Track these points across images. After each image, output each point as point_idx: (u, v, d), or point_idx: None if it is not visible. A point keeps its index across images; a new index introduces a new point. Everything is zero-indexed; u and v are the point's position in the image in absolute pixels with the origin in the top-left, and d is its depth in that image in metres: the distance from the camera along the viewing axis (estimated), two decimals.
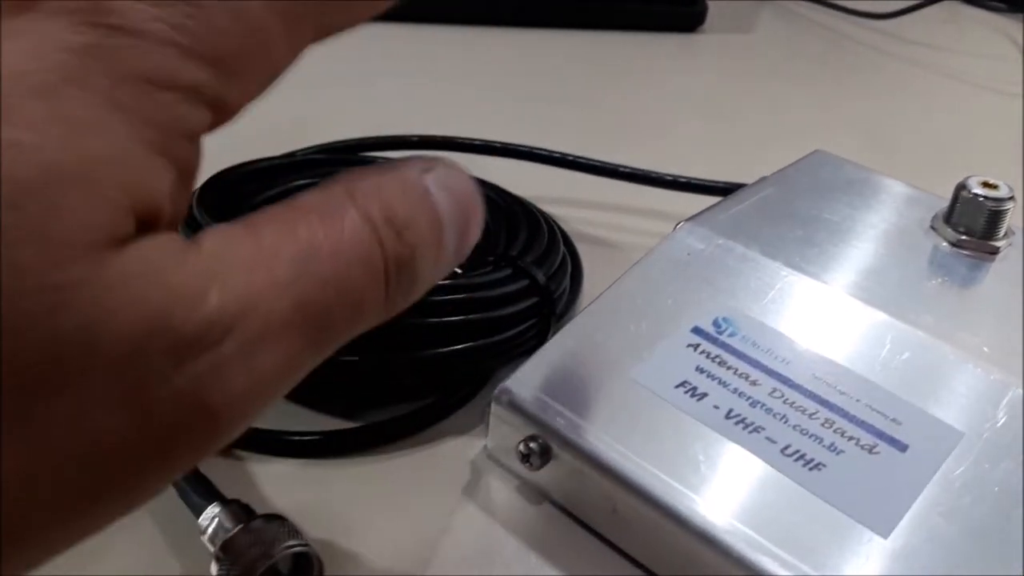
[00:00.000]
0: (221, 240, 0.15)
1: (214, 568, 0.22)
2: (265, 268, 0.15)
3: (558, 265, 0.31)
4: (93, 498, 0.14)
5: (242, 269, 0.15)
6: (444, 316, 0.27)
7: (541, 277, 0.29)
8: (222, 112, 0.16)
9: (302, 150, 0.38)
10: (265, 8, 0.16)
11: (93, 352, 0.13)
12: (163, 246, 0.14)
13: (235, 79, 0.15)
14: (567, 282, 0.32)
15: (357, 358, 0.27)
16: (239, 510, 0.23)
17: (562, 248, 0.32)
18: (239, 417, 0.15)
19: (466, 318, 0.28)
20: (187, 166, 0.15)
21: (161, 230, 0.14)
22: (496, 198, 0.34)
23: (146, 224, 0.14)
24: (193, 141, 0.15)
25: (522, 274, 0.29)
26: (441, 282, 0.28)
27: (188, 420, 0.14)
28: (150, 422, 0.14)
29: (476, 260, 0.29)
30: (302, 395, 0.28)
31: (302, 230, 0.16)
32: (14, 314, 0.12)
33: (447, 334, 0.27)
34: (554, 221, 0.34)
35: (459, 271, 0.33)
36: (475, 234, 0.20)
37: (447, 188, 0.19)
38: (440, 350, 0.27)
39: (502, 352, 0.29)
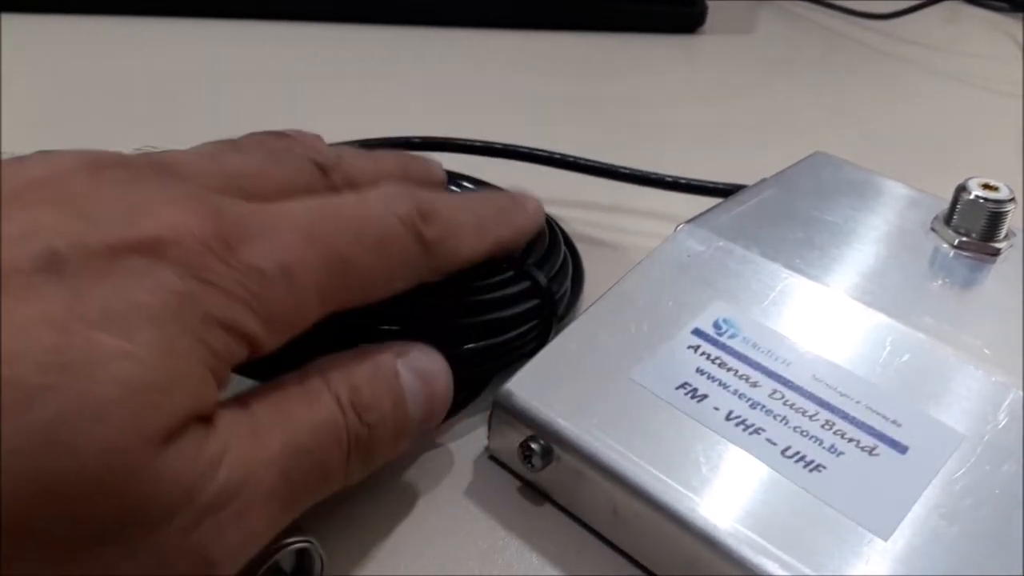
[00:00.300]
0: (229, 424, 0.19)
1: None
2: (260, 444, 0.19)
3: (559, 267, 0.31)
4: None
5: (244, 447, 0.19)
6: (445, 318, 0.27)
7: (542, 279, 0.29)
8: (256, 351, 0.20)
9: None
10: (312, 287, 0.21)
11: (141, 515, 0.17)
12: (196, 434, 0.18)
13: (274, 331, 0.20)
14: (568, 284, 0.32)
15: None
16: None
17: (563, 250, 0.32)
18: (230, 565, 0.19)
19: (467, 320, 0.28)
20: (224, 383, 0.20)
21: (196, 422, 0.18)
22: None
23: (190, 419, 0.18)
24: (231, 366, 0.20)
25: (523, 276, 0.29)
26: (442, 285, 0.28)
27: (193, 569, 0.18)
28: (164, 570, 0.18)
29: (477, 263, 0.29)
30: None
31: (287, 411, 0.21)
32: (104, 483, 0.16)
33: (448, 336, 0.27)
34: (555, 222, 0.34)
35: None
36: (441, 411, 0.25)
37: (416, 371, 0.24)
38: (442, 351, 0.27)
39: (503, 354, 0.29)
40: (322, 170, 0.25)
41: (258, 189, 0.23)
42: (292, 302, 0.20)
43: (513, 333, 0.28)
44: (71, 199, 0.19)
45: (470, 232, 0.26)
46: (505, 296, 0.28)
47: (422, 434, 0.24)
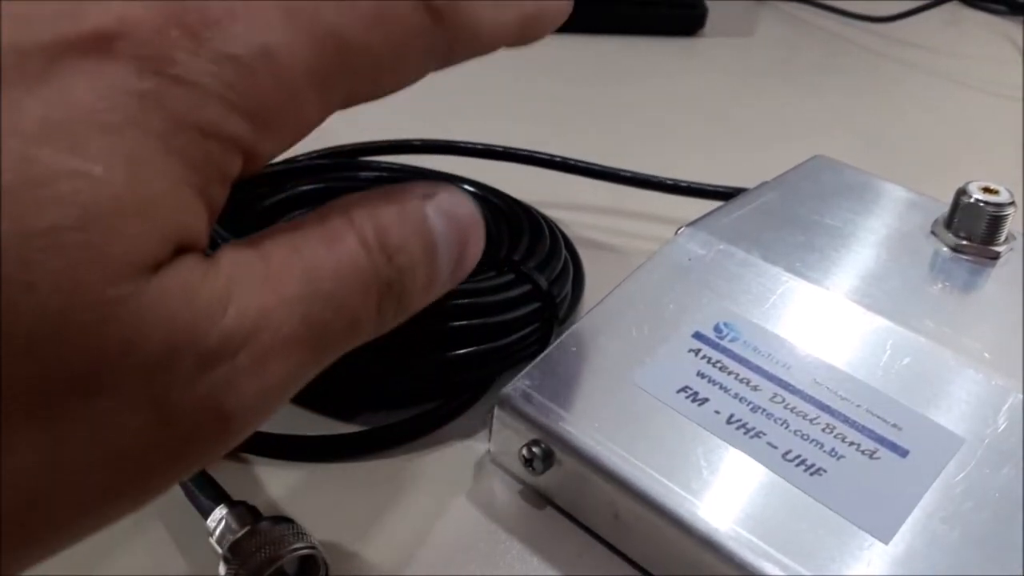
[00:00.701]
0: (236, 261, 0.17)
1: (222, 569, 0.22)
2: (274, 287, 0.17)
3: (560, 270, 0.31)
4: (111, 493, 0.15)
5: (255, 288, 0.16)
6: (447, 321, 0.27)
7: (543, 282, 0.29)
8: (252, 161, 0.17)
9: (304, 155, 0.38)
10: (303, 73, 0.17)
11: (130, 360, 0.15)
12: (190, 268, 0.16)
13: (268, 133, 0.17)
14: (569, 287, 0.32)
15: (363, 363, 0.27)
16: (246, 512, 0.23)
17: (564, 253, 0.32)
18: (248, 422, 0.17)
19: (469, 323, 0.28)
20: (217, 206, 0.17)
21: (189, 254, 0.16)
22: (498, 202, 0.34)
23: (179, 251, 0.16)
24: (225, 185, 0.17)
25: (524, 279, 0.29)
26: None
27: (204, 424, 0.16)
28: (171, 425, 0.15)
29: (479, 265, 0.29)
30: (309, 399, 0.29)
31: (306, 251, 0.18)
32: (70, 322, 0.14)
33: (450, 339, 0.28)
34: (556, 225, 0.35)
35: None
36: (474, 258, 0.21)
37: (446, 213, 0.20)
38: (443, 355, 0.28)
39: (505, 357, 0.29)
40: None
41: None
42: (282, 92, 0.17)
43: (514, 336, 0.29)
44: None
45: (488, 1, 0.22)
46: (506, 299, 0.28)
47: (453, 283, 0.21)
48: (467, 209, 0.21)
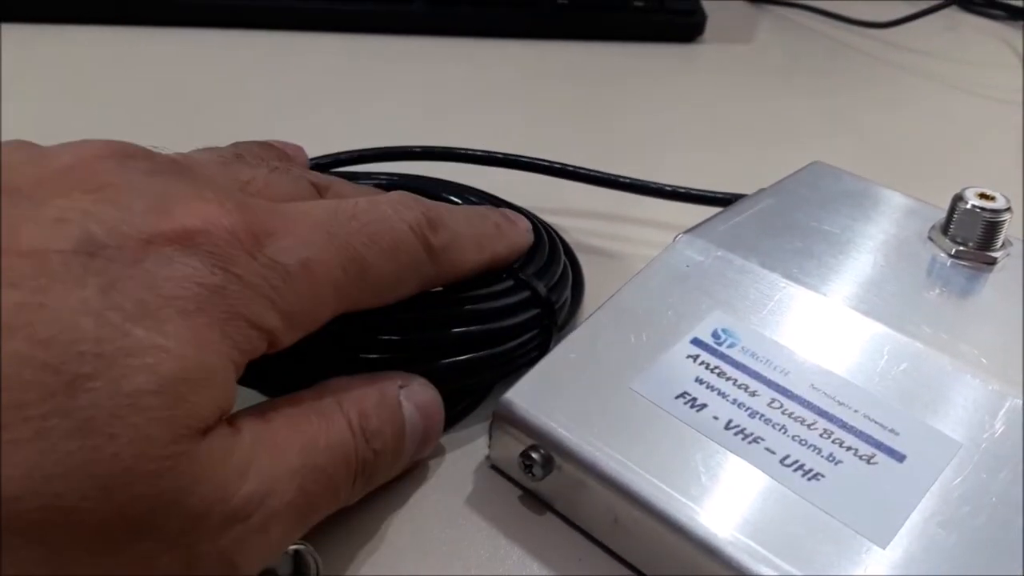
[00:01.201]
0: (253, 430, 0.20)
1: None
2: (282, 458, 0.20)
3: (559, 276, 0.31)
4: None
5: (267, 457, 0.19)
6: (445, 328, 0.27)
7: (542, 289, 0.29)
8: (273, 347, 0.21)
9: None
10: (329, 285, 0.21)
11: (176, 509, 0.17)
12: (226, 434, 0.19)
13: (292, 329, 0.21)
14: (568, 293, 0.32)
15: (361, 370, 0.27)
16: None
17: (563, 259, 0.33)
18: (250, 572, 0.20)
19: (467, 330, 0.28)
20: (238, 379, 0.20)
21: (224, 420, 0.19)
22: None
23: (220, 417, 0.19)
24: (250, 362, 0.20)
25: (523, 286, 0.29)
26: (443, 294, 0.28)
27: (217, 572, 0.18)
28: (192, 570, 0.18)
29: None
30: None
31: (305, 428, 0.21)
32: (138, 470, 0.17)
33: (449, 346, 0.28)
34: (555, 231, 0.35)
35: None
36: (433, 442, 0.26)
37: (416, 403, 0.25)
38: (442, 362, 0.28)
39: (504, 364, 0.29)
40: (317, 190, 0.26)
41: (273, 191, 0.24)
42: (311, 298, 0.21)
43: (513, 343, 0.29)
44: (102, 187, 0.19)
45: (472, 244, 0.27)
46: (505, 306, 0.29)
47: (413, 461, 0.26)
48: (432, 399, 0.26)
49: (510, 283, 0.29)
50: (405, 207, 0.24)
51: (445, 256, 0.25)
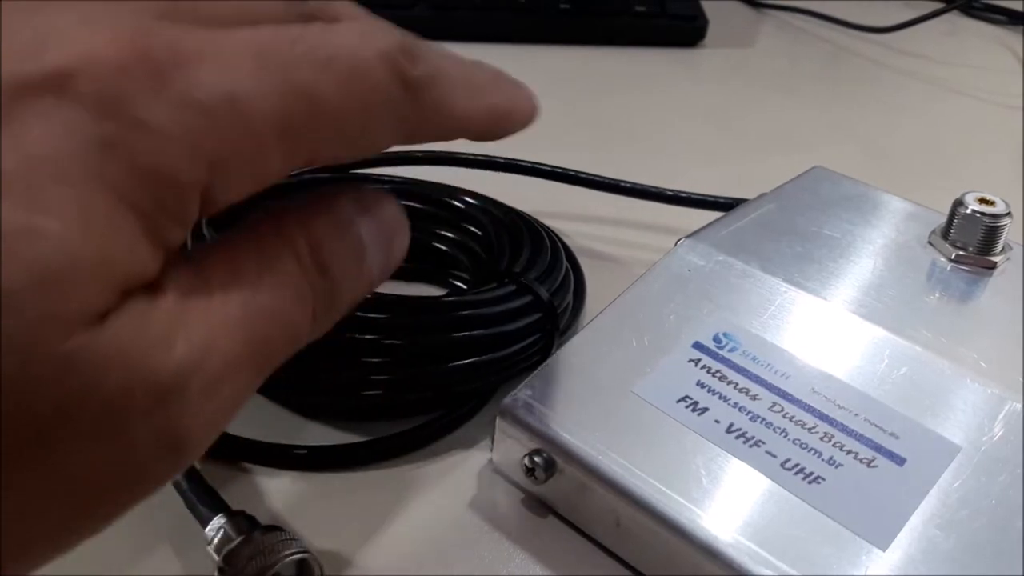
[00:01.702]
0: (180, 291, 0.17)
1: None
2: (218, 312, 0.17)
3: (561, 280, 0.31)
4: (81, 518, 0.16)
5: (200, 316, 0.17)
6: (448, 333, 0.28)
7: (544, 293, 0.30)
8: (210, 207, 0.17)
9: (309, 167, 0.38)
10: (268, 126, 0.17)
11: (89, 405, 0.15)
12: (140, 310, 0.16)
13: (227, 181, 0.17)
14: (570, 297, 0.32)
15: (364, 374, 0.27)
16: (243, 521, 0.23)
17: (565, 263, 0.33)
18: (201, 443, 0.17)
19: (470, 334, 0.28)
20: (174, 245, 0.17)
21: (138, 295, 0.16)
22: (499, 213, 0.34)
23: (128, 293, 0.16)
24: (183, 226, 0.17)
25: (525, 290, 0.29)
26: (446, 299, 0.28)
27: (161, 451, 0.16)
28: (131, 455, 0.16)
29: (480, 277, 0.29)
30: (313, 409, 0.29)
31: (245, 273, 0.18)
32: (29, 377, 0.14)
33: (451, 350, 0.28)
34: (557, 236, 0.35)
35: (464, 287, 0.33)
36: (398, 261, 0.22)
37: (373, 216, 0.21)
38: (445, 366, 0.28)
39: (506, 368, 0.29)
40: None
41: (210, 15, 0.19)
42: (246, 141, 0.17)
43: (516, 347, 0.29)
44: None
45: (462, 86, 0.22)
46: (507, 310, 0.29)
47: (381, 281, 0.22)
48: (392, 209, 0.22)
49: (512, 287, 0.29)
50: (376, 32, 0.20)
51: (427, 94, 0.20)
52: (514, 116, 0.24)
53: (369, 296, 0.28)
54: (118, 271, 0.15)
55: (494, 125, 0.24)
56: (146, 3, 0.18)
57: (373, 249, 0.21)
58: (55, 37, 0.15)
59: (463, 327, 0.28)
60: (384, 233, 0.22)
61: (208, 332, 0.17)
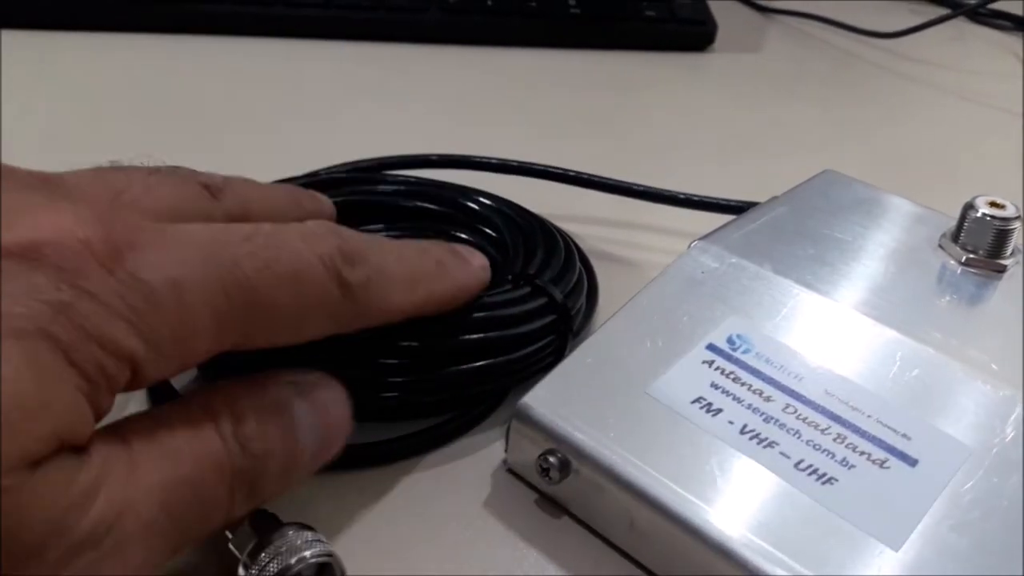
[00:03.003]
0: (105, 453, 0.18)
1: (241, 573, 0.22)
2: (137, 475, 0.18)
3: (575, 282, 0.32)
4: None
5: (120, 479, 0.18)
6: (463, 335, 0.28)
7: (558, 295, 0.30)
8: (138, 379, 0.19)
9: (325, 169, 0.39)
10: (205, 314, 0.19)
11: (9, 547, 0.16)
12: (68, 465, 0.17)
13: (160, 358, 0.18)
14: (584, 299, 0.32)
15: (379, 376, 0.27)
16: (265, 518, 0.23)
17: (579, 265, 0.33)
18: None
19: (484, 336, 0.28)
20: (103, 411, 0.18)
21: (67, 451, 0.17)
22: (513, 215, 0.34)
23: (59, 448, 0.17)
24: (113, 393, 0.18)
25: (540, 292, 0.30)
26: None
27: None
28: None
29: (495, 279, 0.29)
30: None
31: (167, 441, 0.19)
32: None
33: (466, 352, 0.28)
34: (570, 239, 0.35)
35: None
36: (338, 443, 0.23)
37: (311, 400, 0.22)
38: (459, 368, 0.28)
39: (520, 369, 0.29)
40: (210, 192, 0.24)
41: (147, 206, 0.21)
42: (182, 324, 0.18)
43: (530, 348, 0.29)
44: None
45: (401, 283, 0.24)
46: (522, 312, 0.29)
47: (317, 466, 0.23)
48: (333, 393, 0.23)
49: (527, 289, 0.30)
50: (318, 237, 0.21)
51: (363, 294, 0.22)
52: (456, 298, 0.26)
53: None
54: (58, 422, 0.17)
55: (434, 310, 0.26)
56: (100, 191, 0.21)
57: (306, 432, 0.22)
58: (26, 213, 0.18)
59: (477, 329, 0.28)
60: (321, 417, 0.22)
61: (126, 494, 0.18)
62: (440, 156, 0.39)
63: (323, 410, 0.22)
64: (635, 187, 0.39)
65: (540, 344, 0.29)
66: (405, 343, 0.27)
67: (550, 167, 0.39)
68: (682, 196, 0.39)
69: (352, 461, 0.28)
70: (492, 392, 0.30)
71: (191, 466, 0.19)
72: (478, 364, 0.28)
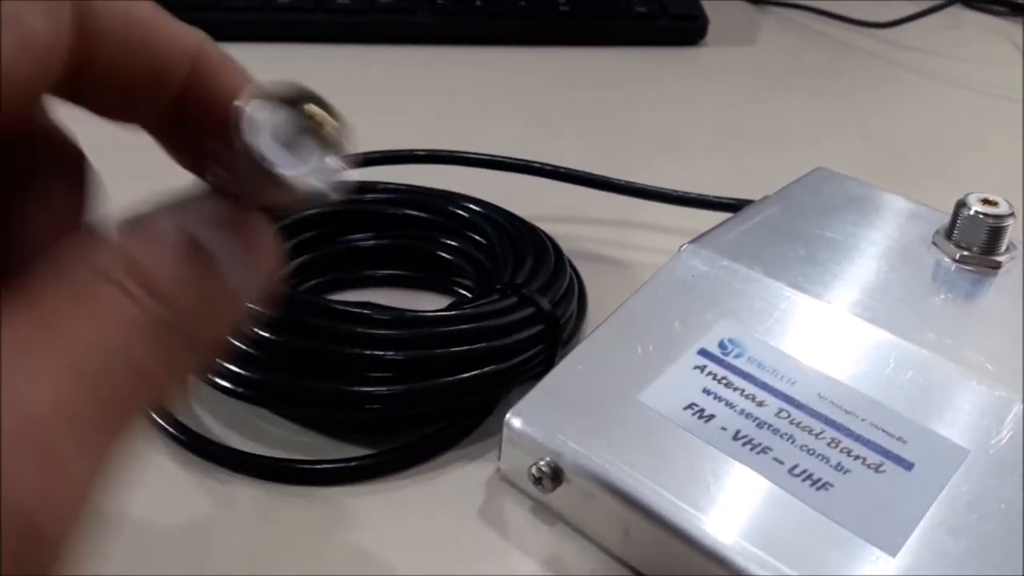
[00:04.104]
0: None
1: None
2: (37, 376, 0.15)
3: (564, 290, 0.31)
4: None
5: (14, 384, 0.14)
6: (449, 347, 0.28)
7: (546, 305, 0.30)
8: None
9: None
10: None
11: None
12: None
13: None
14: (574, 307, 0.32)
15: (367, 389, 0.27)
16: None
17: (569, 273, 0.33)
18: (63, 516, 0.15)
19: (471, 348, 0.28)
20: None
21: None
22: (503, 223, 0.34)
23: None
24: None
25: (527, 302, 0.29)
26: (448, 312, 0.28)
27: (14, 533, 0.14)
28: None
29: (482, 289, 0.29)
30: (319, 424, 0.29)
31: (59, 323, 0.15)
32: None
33: (453, 364, 0.28)
34: (558, 245, 0.35)
35: (468, 295, 0.33)
36: (271, 253, 0.18)
37: (209, 219, 0.17)
38: (446, 379, 0.28)
39: (508, 380, 0.29)
40: None
41: None
42: None
43: (517, 359, 0.29)
44: None
45: None
46: (509, 323, 0.29)
47: (260, 287, 0.18)
48: (219, 208, 0.18)
49: (514, 299, 0.29)
50: None
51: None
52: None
53: (369, 312, 0.28)
54: None
55: None
56: None
57: (217, 249, 0.17)
58: None
59: (464, 341, 0.28)
60: (229, 230, 0.18)
61: (27, 399, 0.14)
62: (427, 151, 0.39)
63: (229, 225, 0.18)
64: (627, 184, 0.39)
65: (529, 354, 0.29)
66: (391, 356, 0.27)
67: (538, 163, 0.39)
68: (673, 193, 0.38)
69: (344, 475, 0.28)
70: (481, 403, 0.29)
71: (102, 340, 0.15)
72: (465, 376, 0.28)
